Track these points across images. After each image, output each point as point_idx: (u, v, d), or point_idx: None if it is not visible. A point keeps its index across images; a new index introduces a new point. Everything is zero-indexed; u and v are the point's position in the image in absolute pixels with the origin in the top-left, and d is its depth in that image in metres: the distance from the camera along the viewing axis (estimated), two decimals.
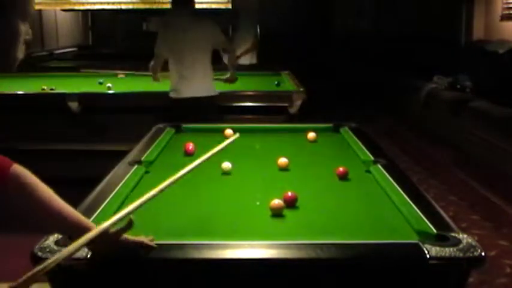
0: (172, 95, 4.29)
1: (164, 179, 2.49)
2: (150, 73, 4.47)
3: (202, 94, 4.30)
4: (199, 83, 4.31)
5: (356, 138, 3.09)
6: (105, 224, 1.50)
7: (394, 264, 1.65)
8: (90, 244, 1.46)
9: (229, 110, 4.48)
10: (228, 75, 4.65)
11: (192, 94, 4.25)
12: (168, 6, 7.63)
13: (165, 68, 4.36)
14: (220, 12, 7.69)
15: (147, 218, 2.00)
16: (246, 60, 6.66)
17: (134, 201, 1.65)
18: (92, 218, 1.85)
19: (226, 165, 2.63)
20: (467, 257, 1.57)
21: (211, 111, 4.23)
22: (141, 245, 1.59)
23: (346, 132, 3.31)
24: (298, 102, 4.52)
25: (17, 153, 4.65)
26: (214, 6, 7.53)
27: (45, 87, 4.82)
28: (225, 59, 5.38)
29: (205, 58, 4.35)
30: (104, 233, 1.48)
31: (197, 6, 7.56)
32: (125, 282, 1.65)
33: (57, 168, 4.69)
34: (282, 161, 2.61)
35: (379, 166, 2.49)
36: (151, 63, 4.45)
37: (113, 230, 1.53)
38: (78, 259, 1.55)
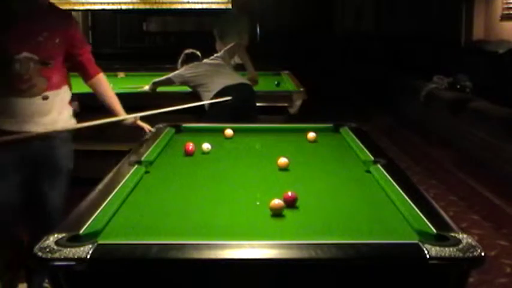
0: (208, 104, 4.42)
1: (164, 179, 2.51)
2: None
3: (234, 82, 4.46)
4: (227, 78, 4.51)
5: (356, 138, 3.09)
6: (126, 116, 3.01)
7: (394, 264, 1.65)
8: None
9: None
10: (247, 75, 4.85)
11: (221, 86, 4.39)
12: (168, 6, 7.64)
13: None
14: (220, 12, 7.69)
15: (148, 218, 2.00)
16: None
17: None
18: (92, 218, 1.85)
19: (206, 146, 2.91)
20: (467, 257, 1.57)
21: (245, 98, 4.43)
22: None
23: (346, 132, 3.31)
24: (298, 102, 4.52)
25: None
26: (214, 6, 7.52)
27: None
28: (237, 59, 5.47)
29: (228, 67, 4.76)
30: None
31: (197, 6, 7.57)
32: (125, 282, 1.65)
33: None
34: (282, 161, 2.61)
35: (379, 166, 2.49)
36: (158, 79, 4.65)
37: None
38: (79, 259, 1.56)
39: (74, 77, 2.87)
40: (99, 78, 2.99)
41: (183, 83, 4.57)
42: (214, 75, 4.49)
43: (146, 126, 3.15)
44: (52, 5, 2.85)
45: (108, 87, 3.04)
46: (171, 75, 4.61)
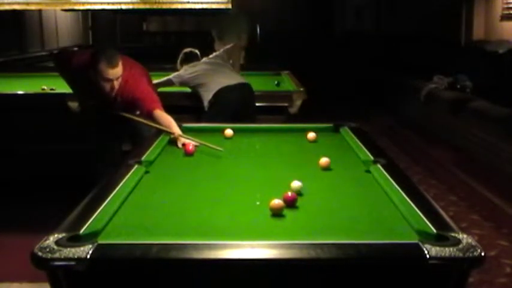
0: (207, 104, 4.42)
1: (164, 179, 2.51)
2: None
3: (234, 82, 4.45)
4: (227, 78, 4.50)
5: (356, 138, 3.10)
6: (177, 130, 3.23)
7: (394, 264, 1.65)
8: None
9: None
10: None
11: (221, 85, 4.39)
12: (168, 6, 7.62)
13: None
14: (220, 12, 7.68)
15: (148, 218, 2.00)
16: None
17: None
18: (92, 218, 1.85)
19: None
20: (467, 257, 1.57)
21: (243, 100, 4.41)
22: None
23: (346, 132, 3.32)
24: (298, 102, 4.52)
25: (17, 153, 4.65)
26: (214, 6, 7.51)
27: (45, 87, 4.82)
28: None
29: (227, 67, 4.75)
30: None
31: (197, 6, 7.54)
32: (125, 282, 1.65)
33: (57, 168, 4.70)
34: (324, 160, 2.59)
35: (379, 166, 2.49)
36: (157, 81, 4.49)
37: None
38: (79, 259, 1.56)
39: None
40: (153, 115, 3.46)
41: (182, 84, 4.57)
42: (213, 75, 4.49)
43: (187, 142, 3.08)
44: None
45: (161, 118, 3.41)
46: (170, 76, 4.60)
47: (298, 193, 2.18)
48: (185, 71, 4.58)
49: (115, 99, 3.61)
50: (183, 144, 3.04)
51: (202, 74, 4.51)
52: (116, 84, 3.50)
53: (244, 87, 4.48)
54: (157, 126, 3.37)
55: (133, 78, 3.63)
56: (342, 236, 1.76)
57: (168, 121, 3.34)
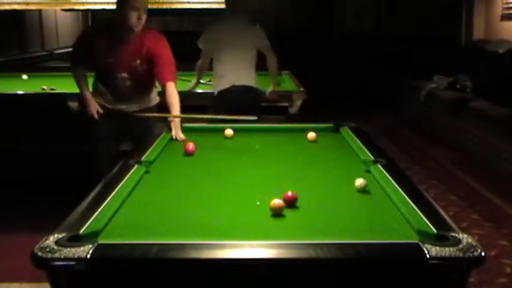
0: (216, 94, 4.38)
1: (164, 179, 2.51)
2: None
3: (241, 83, 4.35)
4: (236, 76, 4.36)
5: (356, 138, 3.10)
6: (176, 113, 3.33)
7: (394, 264, 1.65)
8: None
9: None
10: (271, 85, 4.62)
11: (228, 85, 4.31)
12: (168, 6, 7.62)
13: None
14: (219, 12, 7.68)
15: (148, 218, 2.00)
16: None
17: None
18: (92, 218, 1.85)
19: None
20: (467, 257, 1.57)
21: (250, 102, 4.30)
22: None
23: (346, 132, 3.32)
24: (298, 102, 4.52)
25: (17, 153, 4.66)
26: (214, 6, 7.50)
27: (45, 87, 4.82)
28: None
29: (246, 58, 4.49)
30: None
31: (197, 6, 7.55)
32: (125, 282, 1.65)
33: (57, 168, 4.70)
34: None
35: (379, 166, 2.49)
36: (199, 62, 4.45)
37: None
38: (79, 259, 1.56)
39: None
40: (166, 86, 3.45)
41: (207, 48, 4.42)
42: (229, 66, 4.35)
43: (174, 133, 3.21)
44: (147, 30, 3.57)
45: (172, 94, 3.43)
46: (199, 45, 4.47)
47: (363, 190, 2.24)
48: (205, 32, 4.46)
49: (140, 50, 3.50)
50: (184, 144, 3.04)
51: (224, 39, 4.37)
52: (143, 17, 3.45)
53: (248, 91, 4.38)
54: (158, 114, 3.49)
55: (162, 39, 3.65)
56: (342, 236, 1.76)
57: (175, 100, 3.39)
